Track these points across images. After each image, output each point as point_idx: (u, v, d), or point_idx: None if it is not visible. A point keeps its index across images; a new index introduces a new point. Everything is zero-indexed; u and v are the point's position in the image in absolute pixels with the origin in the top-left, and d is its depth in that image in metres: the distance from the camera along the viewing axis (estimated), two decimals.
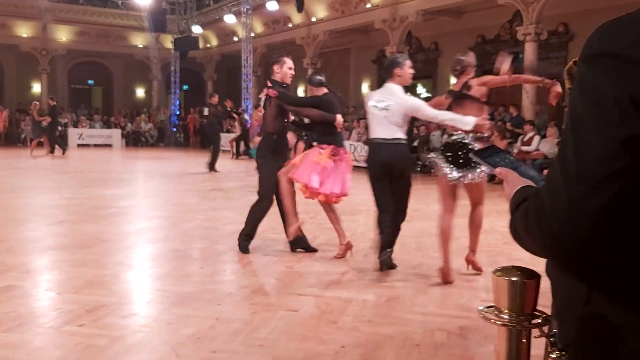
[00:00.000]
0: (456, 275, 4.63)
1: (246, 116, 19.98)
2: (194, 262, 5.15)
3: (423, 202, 9.39)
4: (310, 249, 5.46)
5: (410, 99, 4.89)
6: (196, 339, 3.23)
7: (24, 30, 24.34)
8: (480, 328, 3.45)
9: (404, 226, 6.91)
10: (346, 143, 15.71)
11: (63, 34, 25.23)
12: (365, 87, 21.54)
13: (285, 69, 5.38)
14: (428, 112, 4.63)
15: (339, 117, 5.19)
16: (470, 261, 4.73)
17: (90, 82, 28.39)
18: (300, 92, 22.48)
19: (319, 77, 5.42)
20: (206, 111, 13.89)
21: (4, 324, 3.38)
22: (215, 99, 14.13)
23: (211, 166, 13.37)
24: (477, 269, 4.71)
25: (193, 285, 4.31)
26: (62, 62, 25.78)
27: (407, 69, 4.82)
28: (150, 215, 7.51)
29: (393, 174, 4.70)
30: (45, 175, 12.94)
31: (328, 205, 5.26)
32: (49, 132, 17.70)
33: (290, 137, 13.74)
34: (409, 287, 4.35)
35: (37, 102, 19.12)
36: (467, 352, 3.20)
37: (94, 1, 25.35)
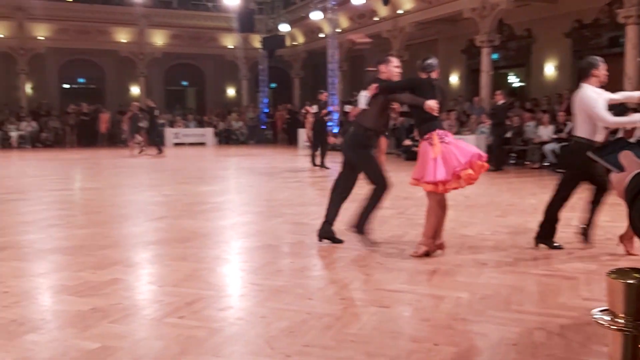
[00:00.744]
0: (555, 272, 4.43)
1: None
2: (285, 256, 5.24)
3: (517, 195, 9.06)
4: (335, 240, 5.48)
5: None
6: (289, 332, 3.29)
7: (122, 36, 25.76)
8: (583, 328, 3.28)
9: (497, 221, 6.71)
10: None
11: (158, 38, 26.47)
12: (454, 78, 21.04)
13: (391, 67, 5.42)
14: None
15: (430, 102, 4.91)
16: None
17: (184, 83, 29.61)
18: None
19: (426, 61, 5.18)
20: (315, 108, 14.04)
21: (111, 315, 3.60)
22: (324, 96, 14.22)
23: (321, 162, 13.35)
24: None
25: (285, 279, 4.39)
26: (158, 65, 27.08)
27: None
28: (243, 211, 7.72)
29: None
30: (145, 173, 13.64)
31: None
32: (148, 132, 18.67)
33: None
34: (504, 284, 4.20)
35: (137, 103, 20.25)
36: (569, 353, 3.05)
37: (187, 5, 26.39)
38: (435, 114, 4.92)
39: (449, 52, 20.95)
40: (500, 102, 13.22)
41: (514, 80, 20.16)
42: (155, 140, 18.90)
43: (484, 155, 4.99)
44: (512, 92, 18.78)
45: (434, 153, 4.81)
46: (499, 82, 18.32)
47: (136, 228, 6.52)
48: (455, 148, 4.85)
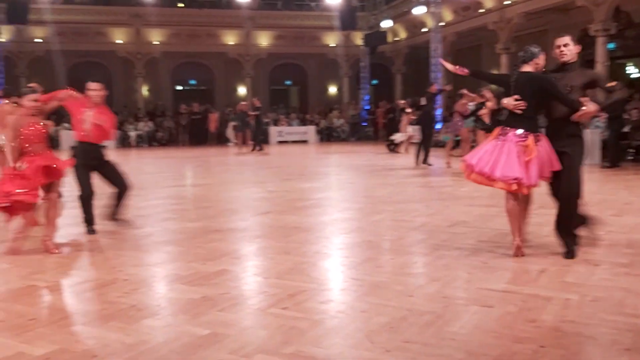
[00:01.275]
0: None
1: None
2: (386, 253, 5.25)
3: (635, 194, 8.47)
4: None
5: None
6: (389, 328, 3.31)
7: (230, 39, 26.82)
8: None
9: (612, 220, 6.32)
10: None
11: (263, 39, 27.29)
12: None
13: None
14: None
15: (505, 100, 4.73)
16: None
17: (288, 82, 30.33)
18: None
19: (519, 53, 5.01)
20: (423, 100, 13.68)
21: (219, 304, 3.79)
22: (434, 87, 13.77)
23: (425, 159, 13.02)
24: None
25: (385, 275, 4.41)
26: (263, 66, 27.93)
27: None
28: (343, 207, 7.82)
29: None
30: (250, 170, 14.14)
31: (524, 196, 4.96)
32: (254, 130, 19.34)
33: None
34: (618, 287, 3.97)
35: (245, 102, 21.09)
36: None
37: (291, 6, 27.00)
38: (517, 111, 4.68)
39: None
40: None
41: (632, 71, 18.80)
42: (259, 139, 19.52)
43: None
44: (630, 83, 17.52)
45: (529, 155, 4.60)
46: (615, 73, 17.16)
47: (243, 222, 6.79)
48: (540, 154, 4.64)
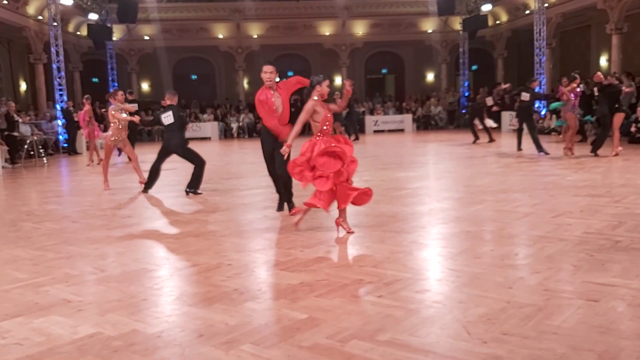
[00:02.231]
0: None
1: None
2: (485, 243, 5.13)
3: None
4: None
5: None
6: (487, 319, 3.25)
7: (326, 29, 27.05)
8: None
9: None
10: None
11: (359, 28, 27.27)
12: None
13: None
14: None
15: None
16: None
17: (384, 71, 30.14)
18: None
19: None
20: (526, 96, 13.37)
21: (317, 290, 3.89)
22: (535, 84, 13.63)
23: (539, 147, 12.88)
24: None
25: (484, 266, 4.32)
26: (359, 55, 27.95)
27: None
28: (441, 197, 7.70)
29: None
30: None
31: None
32: (343, 121, 19.56)
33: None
34: None
35: (338, 92, 21.29)
36: None
37: None
38: None
39: None
40: None
41: None
42: (354, 127, 19.71)
43: None
44: None
45: None
46: None
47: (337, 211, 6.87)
48: None
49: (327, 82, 5.61)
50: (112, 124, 9.68)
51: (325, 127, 5.55)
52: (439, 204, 7.12)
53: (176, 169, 12.02)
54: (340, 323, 3.29)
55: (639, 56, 19.77)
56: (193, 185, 8.68)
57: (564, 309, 3.37)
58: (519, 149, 13.67)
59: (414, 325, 3.23)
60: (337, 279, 4.19)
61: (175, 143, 8.69)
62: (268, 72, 6.43)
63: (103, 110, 15.25)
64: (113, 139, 9.65)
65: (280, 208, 6.95)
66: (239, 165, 13.67)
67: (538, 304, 3.46)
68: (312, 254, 4.86)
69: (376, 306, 3.55)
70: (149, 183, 9.05)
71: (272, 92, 6.49)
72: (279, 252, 5.00)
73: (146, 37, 26.05)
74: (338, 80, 28.36)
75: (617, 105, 11.42)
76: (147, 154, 16.95)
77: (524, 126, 13.57)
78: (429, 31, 27.07)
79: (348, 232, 5.58)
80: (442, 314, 3.40)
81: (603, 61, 22.16)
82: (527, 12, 22.66)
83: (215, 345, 3.04)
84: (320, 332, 3.16)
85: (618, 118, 11.43)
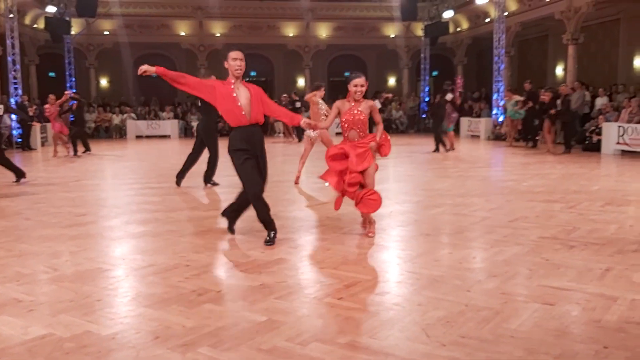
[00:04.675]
0: None
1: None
2: (443, 246, 5.18)
3: None
4: None
5: None
6: (446, 322, 3.27)
7: (290, 30, 26.99)
8: None
9: None
10: (614, 125, 14.23)
11: (323, 31, 27.32)
12: (637, 62, 19.05)
13: None
14: None
15: None
16: None
17: (347, 74, 30.12)
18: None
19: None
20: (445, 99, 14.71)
21: (277, 292, 3.86)
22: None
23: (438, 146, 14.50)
24: None
25: (442, 269, 4.36)
26: (322, 57, 27.97)
27: None
28: (401, 200, 7.75)
29: None
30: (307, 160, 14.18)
31: None
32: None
33: None
34: None
35: (285, 95, 22.02)
36: None
37: None
38: None
39: (632, 33, 18.99)
40: None
41: None
42: (296, 129, 20.23)
43: None
44: None
45: None
46: None
47: (300, 212, 6.85)
48: None
49: (354, 82, 5.37)
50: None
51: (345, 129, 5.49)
52: (398, 207, 7.16)
53: (129, 166, 11.77)
54: (299, 325, 3.26)
55: (593, 66, 20.40)
56: (209, 176, 9.24)
57: (520, 312, 3.42)
58: (446, 149, 15.04)
59: (374, 327, 3.23)
60: (297, 280, 4.16)
61: (201, 126, 9.18)
62: (239, 59, 5.16)
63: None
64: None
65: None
66: (198, 164, 13.46)
67: (495, 307, 3.51)
68: (273, 255, 4.82)
69: (336, 308, 3.53)
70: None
71: (234, 85, 5.16)
72: (239, 253, 4.94)
73: (106, 32, 25.48)
74: (301, 82, 28.33)
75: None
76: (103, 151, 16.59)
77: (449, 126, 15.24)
78: (392, 36, 27.32)
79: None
80: (402, 317, 3.41)
81: (559, 70, 22.78)
82: (487, 20, 23.10)
83: (171, 348, 2.97)
84: (279, 335, 3.12)
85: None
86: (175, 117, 24.80)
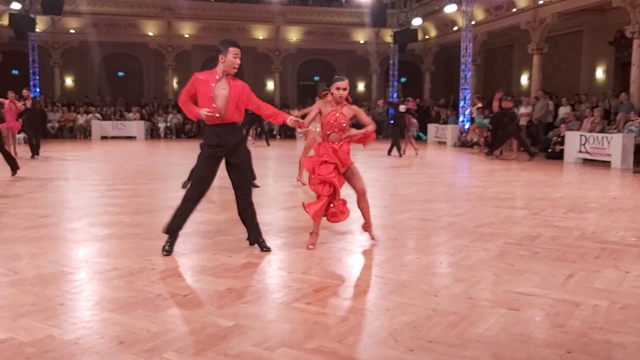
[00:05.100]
0: None
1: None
2: (411, 251, 5.22)
3: None
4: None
5: None
6: (413, 327, 3.29)
7: (260, 33, 26.91)
8: None
9: None
10: (576, 134, 14.56)
11: (293, 35, 27.33)
12: (599, 72, 19.59)
13: None
14: None
15: None
16: None
17: (316, 78, 30.30)
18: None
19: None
20: (402, 108, 15.42)
21: (245, 297, 3.82)
22: (409, 103, 16.02)
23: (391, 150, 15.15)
24: None
25: (410, 274, 4.39)
26: (292, 61, 27.98)
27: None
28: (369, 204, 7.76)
29: None
30: (276, 164, 14.17)
31: None
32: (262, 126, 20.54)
33: None
34: None
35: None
36: None
37: (321, 1, 26.97)
38: None
39: (594, 44, 19.53)
40: None
41: None
42: (264, 132, 20.88)
43: None
44: None
45: None
46: None
47: (268, 216, 6.81)
48: None
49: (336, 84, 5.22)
50: None
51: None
52: (359, 212, 7.17)
53: (94, 167, 11.55)
54: (267, 330, 3.24)
55: (557, 76, 20.88)
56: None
57: (486, 317, 3.46)
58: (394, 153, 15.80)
59: (342, 332, 3.22)
60: (265, 285, 4.13)
61: None
62: (239, 57, 4.93)
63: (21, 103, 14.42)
64: None
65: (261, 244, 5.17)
66: (165, 166, 13.31)
67: (462, 312, 3.54)
68: (240, 259, 4.78)
69: (304, 313, 3.51)
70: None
71: (218, 82, 4.84)
72: (206, 257, 4.87)
73: (72, 31, 24.99)
74: (270, 85, 28.26)
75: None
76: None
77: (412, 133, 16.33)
78: (362, 42, 27.51)
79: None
80: (370, 322, 3.41)
81: (524, 79, 23.25)
82: (455, 28, 23.45)
83: (136, 353, 2.91)
84: (247, 340, 3.09)
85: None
86: (142, 118, 24.44)
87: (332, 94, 5.26)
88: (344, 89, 5.23)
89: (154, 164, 14.07)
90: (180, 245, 5.28)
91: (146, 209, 7.28)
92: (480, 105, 17.27)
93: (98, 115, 23.92)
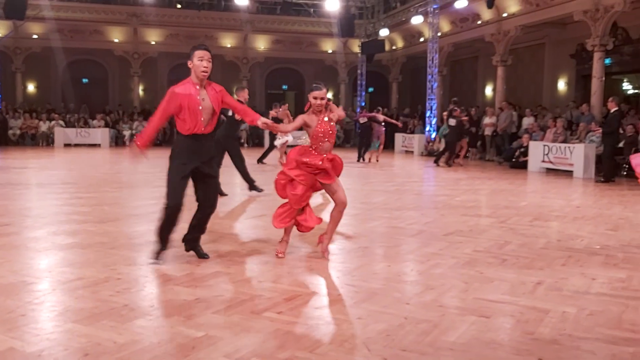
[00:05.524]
0: None
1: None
2: (381, 259, 5.21)
3: (630, 209, 8.49)
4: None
5: None
6: (386, 335, 3.27)
7: (228, 41, 26.78)
8: None
9: (608, 235, 6.35)
10: (539, 144, 14.87)
11: (261, 43, 27.29)
12: (561, 84, 20.08)
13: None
14: None
15: None
16: None
17: (284, 87, 30.30)
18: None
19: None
20: (452, 122, 15.52)
21: (213, 306, 3.74)
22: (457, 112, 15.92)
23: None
24: None
25: (381, 282, 4.37)
26: (260, 69, 27.91)
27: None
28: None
29: None
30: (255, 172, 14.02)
31: None
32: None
33: None
34: (615, 301, 3.95)
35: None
36: None
37: (289, 11, 26.99)
38: None
39: (556, 57, 20.02)
40: (613, 109, 12.46)
41: (628, 87, 18.92)
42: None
43: None
44: (626, 99, 17.62)
45: None
46: (611, 88, 17.25)
47: (237, 225, 6.74)
48: None
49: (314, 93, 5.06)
50: None
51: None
52: None
53: (57, 175, 11.27)
54: (238, 341, 3.17)
55: (520, 87, 21.31)
56: (250, 181, 9.53)
57: (458, 324, 3.46)
58: (360, 160, 16.91)
59: (314, 342, 3.18)
60: (235, 294, 4.06)
61: (216, 136, 8.54)
62: (206, 60, 4.75)
63: None
64: None
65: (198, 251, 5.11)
66: (130, 174, 13.06)
67: (434, 320, 3.54)
68: (209, 268, 4.69)
69: (275, 323, 3.46)
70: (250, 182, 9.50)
71: (199, 94, 4.75)
72: (174, 266, 4.77)
73: (35, 36, 24.44)
74: None
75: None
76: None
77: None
78: (330, 51, 27.63)
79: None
80: (342, 330, 3.38)
81: (489, 90, 23.66)
82: (422, 39, 23.75)
83: None
84: (217, 351, 3.02)
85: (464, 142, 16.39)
86: (106, 125, 24.00)
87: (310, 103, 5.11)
88: (322, 98, 5.06)
89: (119, 172, 13.81)
90: (147, 254, 5.16)
91: (111, 217, 7.12)
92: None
93: (61, 122, 23.39)
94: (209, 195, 4.92)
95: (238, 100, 9.64)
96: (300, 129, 5.31)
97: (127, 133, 24.23)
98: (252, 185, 9.53)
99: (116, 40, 25.59)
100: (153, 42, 25.93)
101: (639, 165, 5.40)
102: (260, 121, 4.91)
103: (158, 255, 4.85)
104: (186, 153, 4.68)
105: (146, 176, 12.27)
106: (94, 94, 26.97)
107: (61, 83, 25.59)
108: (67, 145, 22.15)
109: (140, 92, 26.84)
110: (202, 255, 5.01)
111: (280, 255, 5.13)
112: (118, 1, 25.26)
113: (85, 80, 27.14)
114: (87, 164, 15.57)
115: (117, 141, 24.05)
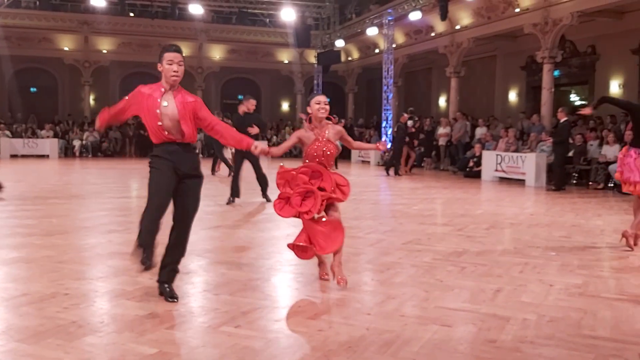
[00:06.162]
0: (629, 297, 4.17)
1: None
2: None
3: (582, 216, 8.68)
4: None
5: None
6: (348, 347, 3.18)
7: (182, 50, 26.40)
8: None
9: (562, 241, 6.45)
10: (492, 153, 15.13)
11: (216, 53, 27.03)
12: (512, 95, 20.57)
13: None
14: None
15: None
16: None
17: (240, 97, 30.05)
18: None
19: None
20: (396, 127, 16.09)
21: (167, 322, 3.58)
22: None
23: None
24: None
25: (341, 293, 4.29)
26: (216, 79, 27.63)
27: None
28: (296, 222, 7.63)
29: None
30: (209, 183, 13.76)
31: None
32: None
33: None
34: (574, 307, 3.98)
35: None
36: None
37: (244, 20, 26.85)
38: None
39: (507, 68, 20.52)
40: (563, 120, 12.80)
41: (575, 98, 19.53)
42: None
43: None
44: (574, 110, 18.17)
45: None
46: (560, 99, 17.77)
47: (192, 236, 6.53)
48: None
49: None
50: None
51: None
52: (294, 230, 7.02)
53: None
54: (193, 357, 3.03)
55: (473, 98, 21.73)
56: (264, 189, 9.86)
57: (420, 334, 3.41)
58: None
59: (274, 356, 3.06)
60: (189, 308, 3.90)
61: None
62: (176, 63, 4.24)
63: None
64: None
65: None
66: (80, 185, 12.64)
67: (396, 330, 3.47)
68: None
69: (233, 337, 3.32)
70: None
71: (163, 96, 4.16)
72: (125, 280, 4.57)
73: None
74: None
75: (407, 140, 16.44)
76: None
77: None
78: (286, 61, 27.60)
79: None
80: (302, 343, 3.27)
81: (442, 101, 24.06)
82: (377, 51, 23.99)
83: None
84: None
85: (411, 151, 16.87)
86: (55, 135, 23.26)
87: (310, 113, 4.61)
88: (325, 104, 4.57)
89: (68, 183, 13.35)
90: (96, 267, 4.95)
91: (59, 230, 6.82)
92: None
93: (8, 132, 22.52)
94: (183, 215, 4.37)
95: (244, 111, 9.69)
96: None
97: (77, 143, 23.55)
98: (264, 194, 9.89)
99: (66, 49, 24.90)
100: (105, 51, 25.36)
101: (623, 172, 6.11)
102: (258, 150, 4.26)
103: (146, 259, 4.00)
104: (159, 160, 4.15)
105: (97, 187, 11.91)
106: (43, 103, 26.13)
107: (8, 92, 24.72)
108: (13, 156, 21.34)
109: (91, 102, 26.16)
110: (168, 298, 4.10)
111: (325, 277, 4.65)
112: (68, 8, 24.63)
113: (33, 89, 26.28)
114: (34, 175, 15.01)
115: (67, 152, 23.34)
